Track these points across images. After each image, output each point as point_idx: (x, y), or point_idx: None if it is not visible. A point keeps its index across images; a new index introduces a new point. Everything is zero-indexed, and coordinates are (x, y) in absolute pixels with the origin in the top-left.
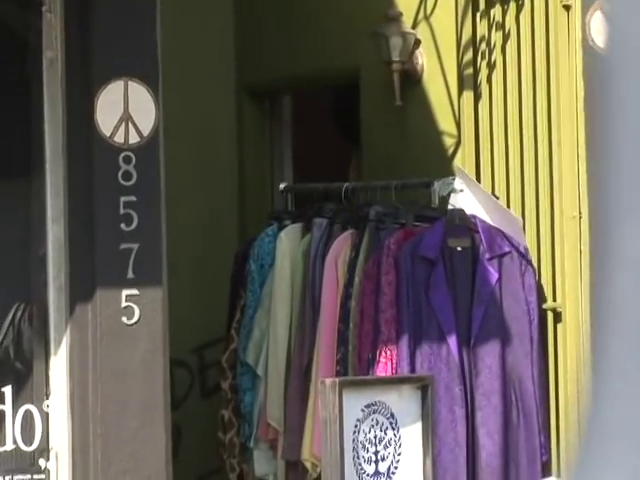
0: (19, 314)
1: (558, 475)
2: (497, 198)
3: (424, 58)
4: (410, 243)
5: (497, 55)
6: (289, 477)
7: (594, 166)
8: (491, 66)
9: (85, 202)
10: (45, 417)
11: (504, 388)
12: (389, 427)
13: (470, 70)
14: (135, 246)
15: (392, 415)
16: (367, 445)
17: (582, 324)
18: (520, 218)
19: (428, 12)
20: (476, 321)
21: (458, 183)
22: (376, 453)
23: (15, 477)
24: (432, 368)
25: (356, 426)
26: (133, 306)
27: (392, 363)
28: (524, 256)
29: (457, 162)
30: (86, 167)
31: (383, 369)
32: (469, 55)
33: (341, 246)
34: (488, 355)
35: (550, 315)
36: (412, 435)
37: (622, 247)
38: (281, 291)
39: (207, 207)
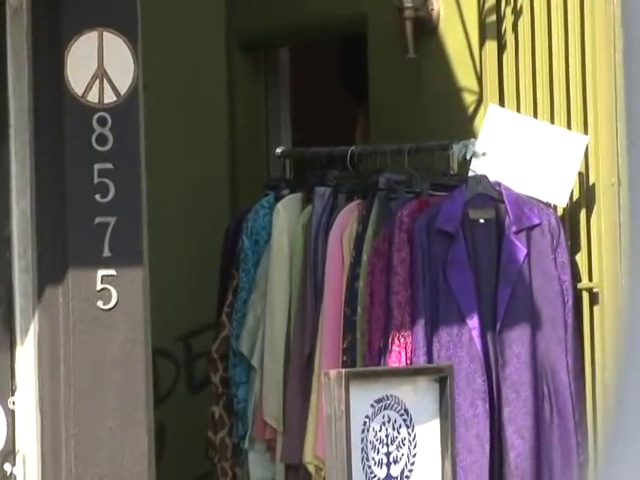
0: None
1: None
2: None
3: (440, 4)
4: (426, 215)
5: None
6: None
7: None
8: (517, 12)
9: (55, 171)
10: (10, 415)
11: (535, 380)
12: (402, 425)
13: (493, 17)
14: (112, 220)
15: (406, 411)
16: (378, 445)
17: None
18: (586, 138)
19: None
20: (502, 303)
21: (480, 145)
22: (388, 454)
23: None
24: (451, 357)
25: (365, 424)
26: (110, 289)
27: (406, 352)
28: (556, 229)
29: (479, 122)
30: (55, 131)
31: (396, 359)
32: (492, 0)
33: (347, 219)
34: (516, 342)
35: (586, 296)
36: (429, 434)
37: None
38: (279, 271)
39: (194, 175)
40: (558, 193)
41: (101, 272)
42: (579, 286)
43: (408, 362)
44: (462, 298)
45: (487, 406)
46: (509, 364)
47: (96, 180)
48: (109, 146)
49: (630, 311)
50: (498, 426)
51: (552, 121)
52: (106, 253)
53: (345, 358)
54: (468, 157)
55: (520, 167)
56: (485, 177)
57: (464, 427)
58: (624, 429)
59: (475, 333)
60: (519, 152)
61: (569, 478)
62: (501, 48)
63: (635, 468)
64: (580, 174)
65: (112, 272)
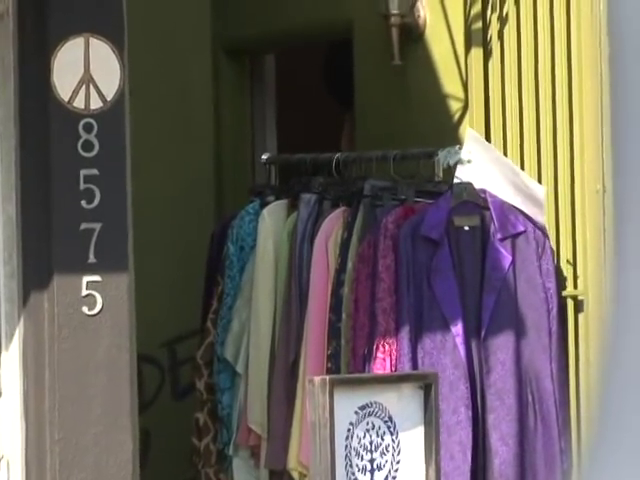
0: None
1: None
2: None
3: (426, 11)
4: (411, 222)
5: (509, 7)
6: None
7: (617, 135)
8: (502, 19)
9: (40, 177)
10: None
11: (519, 387)
12: (387, 431)
13: (479, 24)
14: (97, 226)
15: (390, 418)
16: (362, 452)
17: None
18: (543, 188)
19: None
20: (487, 310)
21: (465, 153)
22: (372, 461)
23: None
24: (435, 364)
25: (349, 430)
26: (95, 294)
27: (391, 359)
28: (541, 236)
29: (464, 128)
30: (41, 136)
31: (381, 366)
32: (477, 7)
33: (332, 226)
34: (501, 349)
35: (570, 303)
36: (413, 441)
37: None
38: (264, 277)
39: (179, 181)
40: (536, 212)
41: (86, 278)
42: (564, 293)
43: (392, 369)
44: (446, 305)
45: (470, 413)
46: (493, 371)
47: (82, 186)
48: (95, 152)
49: (614, 317)
50: (482, 433)
51: (537, 127)
52: (91, 259)
53: (329, 365)
54: (452, 164)
55: (500, 182)
56: (470, 184)
57: (447, 434)
58: (607, 436)
59: (459, 340)
60: (496, 174)
61: None
62: (487, 55)
63: (617, 475)
64: (565, 181)
65: (97, 278)
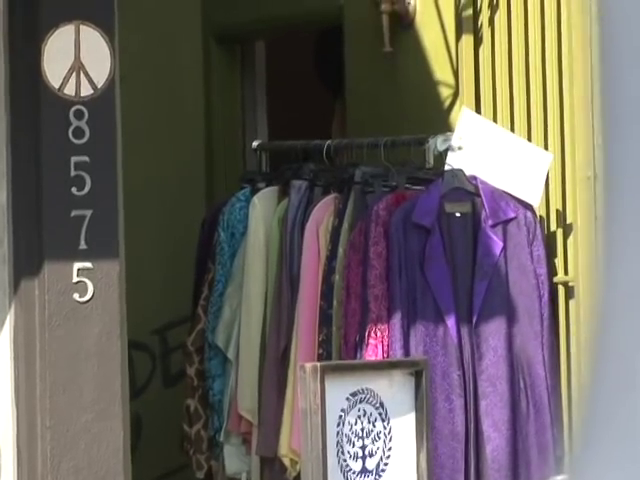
0: None
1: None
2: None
3: None
4: (402, 209)
5: None
6: (264, 475)
7: (606, 122)
8: (493, 6)
9: (31, 163)
10: None
11: (511, 373)
12: (378, 418)
13: (469, 11)
14: (88, 213)
15: (381, 404)
16: (353, 439)
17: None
18: (550, 155)
19: None
20: (478, 297)
21: (456, 139)
22: (363, 448)
23: None
24: (427, 351)
25: (340, 417)
26: (86, 281)
27: (383, 345)
28: (532, 223)
29: (455, 115)
30: (32, 123)
31: (373, 352)
32: None
33: (323, 212)
34: (493, 336)
35: (561, 290)
36: (404, 427)
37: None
38: (255, 264)
39: (170, 168)
40: (531, 193)
41: (77, 265)
42: (555, 280)
43: (385, 355)
44: (438, 292)
45: (462, 400)
46: (485, 357)
47: (72, 173)
48: (85, 139)
49: (604, 304)
50: (474, 419)
51: (528, 114)
52: (82, 246)
53: (321, 351)
54: (441, 149)
55: (493, 167)
56: (461, 171)
57: (439, 421)
58: (596, 422)
59: (451, 326)
60: (491, 154)
61: (546, 471)
62: (477, 42)
63: (607, 460)
64: (556, 167)
65: (88, 265)
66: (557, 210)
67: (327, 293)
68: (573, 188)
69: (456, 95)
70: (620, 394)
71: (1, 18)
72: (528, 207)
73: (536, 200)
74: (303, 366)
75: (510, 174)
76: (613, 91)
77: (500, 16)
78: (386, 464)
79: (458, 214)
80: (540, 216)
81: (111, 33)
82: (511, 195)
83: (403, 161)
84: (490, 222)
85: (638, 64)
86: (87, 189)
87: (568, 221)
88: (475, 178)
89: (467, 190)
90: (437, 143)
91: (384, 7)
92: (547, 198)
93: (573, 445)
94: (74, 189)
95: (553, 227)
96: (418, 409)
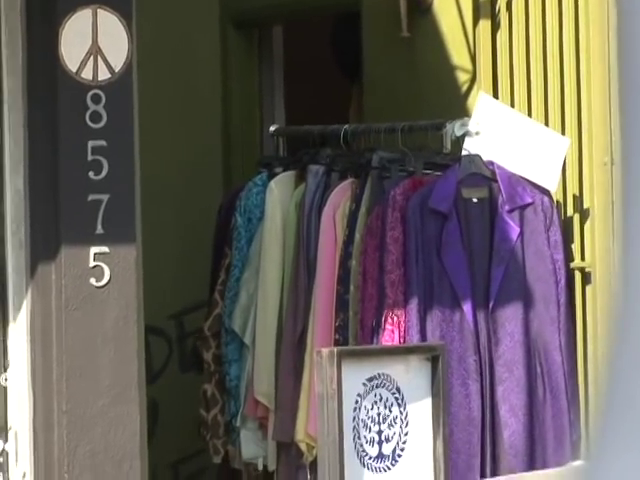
0: None
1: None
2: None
3: None
4: (419, 194)
5: None
6: (281, 460)
7: (624, 106)
8: None
9: (48, 148)
10: (3, 392)
11: (528, 358)
12: (394, 403)
13: None
14: (105, 197)
15: (398, 390)
16: (369, 424)
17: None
18: (567, 140)
19: None
20: (495, 282)
21: (473, 124)
22: (379, 433)
23: None
24: (444, 336)
25: (357, 402)
26: (103, 266)
27: (399, 331)
28: (549, 208)
29: (473, 100)
30: (49, 108)
31: (389, 337)
32: None
33: (340, 197)
34: (509, 321)
35: (578, 275)
36: (421, 412)
37: None
38: (271, 249)
39: (187, 153)
40: (548, 178)
41: (94, 249)
42: (571, 265)
43: (401, 341)
44: (455, 277)
45: (479, 386)
46: (502, 343)
47: (89, 157)
48: (103, 123)
49: (622, 291)
50: (491, 405)
51: (545, 99)
52: (99, 230)
53: (337, 336)
54: (458, 134)
55: (510, 152)
56: (478, 156)
57: (455, 406)
58: (615, 408)
59: (468, 312)
60: (508, 139)
61: (562, 456)
62: (495, 27)
63: (626, 446)
64: (573, 153)
65: (105, 249)
66: (574, 195)
67: (344, 278)
68: (590, 173)
69: (473, 80)
70: (638, 379)
71: (19, 2)
72: (545, 192)
73: (553, 185)
74: (320, 351)
75: (527, 159)
76: (631, 74)
77: (517, 1)
78: (402, 449)
79: (475, 199)
80: (557, 201)
81: (128, 17)
82: (528, 180)
83: (420, 146)
84: (507, 207)
85: None
86: (104, 173)
87: (585, 207)
88: (492, 163)
89: (484, 175)
90: (454, 128)
91: None
92: (564, 183)
93: (590, 430)
94: (91, 173)
95: (570, 213)
96: (435, 394)
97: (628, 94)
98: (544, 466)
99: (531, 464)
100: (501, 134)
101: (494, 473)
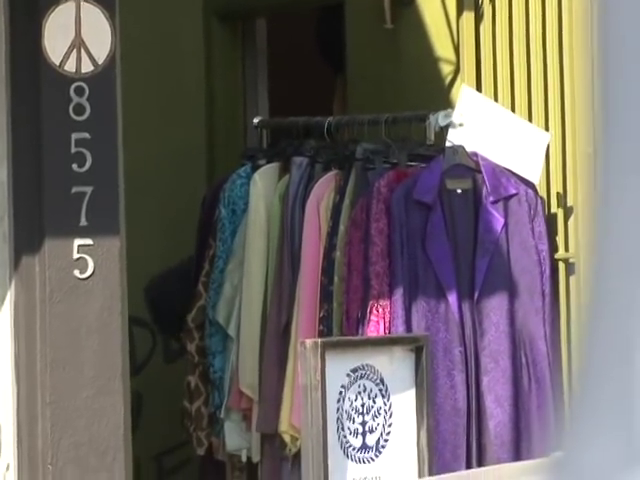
0: None
1: None
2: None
3: None
4: (403, 186)
5: None
6: (265, 451)
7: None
8: None
9: (32, 140)
10: None
11: (513, 349)
12: (378, 394)
13: None
14: (88, 190)
15: (382, 381)
16: (353, 415)
17: None
18: (548, 135)
19: None
20: (480, 273)
21: (457, 116)
22: (363, 424)
23: None
24: (430, 327)
25: (341, 393)
26: (87, 258)
27: (384, 322)
28: (533, 199)
29: (456, 91)
30: (33, 100)
31: (374, 329)
32: None
33: (324, 189)
34: (494, 312)
35: (562, 266)
36: (405, 403)
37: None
38: (255, 240)
39: (171, 145)
40: (530, 171)
41: (78, 241)
42: (555, 256)
43: (386, 332)
44: (440, 268)
45: (464, 376)
46: (487, 333)
47: (73, 150)
48: (86, 116)
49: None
50: (476, 395)
51: (529, 90)
52: (83, 222)
53: (322, 328)
54: (442, 124)
55: (493, 144)
56: (462, 147)
57: (441, 397)
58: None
59: (453, 303)
60: (491, 132)
61: (547, 446)
62: (478, 18)
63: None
64: (556, 144)
65: (89, 241)
66: (558, 186)
67: (328, 270)
68: (574, 164)
69: (457, 71)
70: (613, 366)
71: None
72: (529, 184)
73: (536, 178)
74: (304, 342)
75: (510, 152)
76: (613, 67)
77: None
78: (386, 440)
79: (459, 190)
80: (540, 193)
81: (112, 10)
82: (512, 172)
83: (404, 137)
84: (491, 198)
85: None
86: (88, 166)
87: (569, 198)
88: (476, 154)
89: (468, 166)
90: (438, 119)
91: None
92: (547, 174)
93: (565, 419)
94: (75, 166)
95: (554, 203)
96: (418, 385)
97: (609, 86)
98: (529, 456)
99: (517, 454)
100: (484, 127)
101: (480, 463)
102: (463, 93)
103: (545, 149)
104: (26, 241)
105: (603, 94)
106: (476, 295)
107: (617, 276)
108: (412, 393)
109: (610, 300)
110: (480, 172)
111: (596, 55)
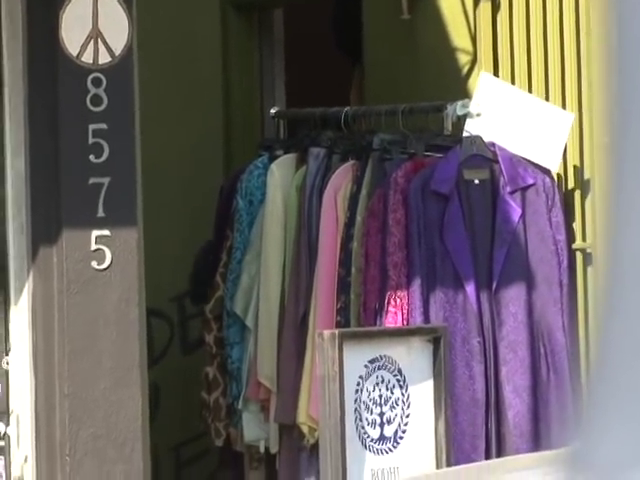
0: None
1: None
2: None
3: None
4: (420, 176)
5: None
6: (283, 442)
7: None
8: None
9: (49, 131)
10: (4, 376)
11: (531, 339)
12: (396, 385)
13: None
14: (106, 180)
15: (400, 371)
16: (371, 406)
17: None
18: (572, 115)
19: None
20: (497, 264)
21: (474, 106)
22: (381, 415)
23: None
24: (448, 318)
25: (358, 384)
26: (104, 249)
27: (402, 313)
28: (551, 189)
29: (473, 82)
30: (50, 91)
31: (392, 319)
32: None
33: (341, 179)
34: (512, 302)
35: (579, 256)
36: (422, 394)
37: None
38: (273, 231)
39: (188, 136)
40: (549, 158)
41: (95, 232)
42: (573, 246)
43: (404, 323)
44: (458, 259)
45: (482, 367)
46: (506, 324)
47: (90, 140)
48: (103, 106)
49: (613, 267)
50: (495, 386)
51: (546, 79)
52: (100, 213)
53: (339, 318)
54: (460, 114)
55: (512, 131)
56: (479, 137)
57: (459, 388)
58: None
59: (471, 293)
60: (511, 118)
61: (565, 437)
62: (495, 8)
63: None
64: (574, 133)
65: (106, 232)
66: (575, 176)
67: (345, 260)
68: (591, 154)
69: (474, 61)
70: (629, 359)
71: None
72: (547, 173)
73: (555, 165)
74: (321, 333)
75: (529, 138)
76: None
77: None
78: (404, 431)
79: (477, 181)
80: (558, 182)
81: (129, 0)
82: (529, 161)
83: (421, 128)
84: (509, 189)
85: None
86: (105, 157)
87: (586, 187)
88: (493, 144)
89: (485, 157)
90: (455, 109)
91: None
92: (565, 164)
93: (582, 411)
94: (92, 157)
95: (571, 193)
96: (436, 376)
97: (626, 74)
98: (549, 446)
99: (536, 444)
100: (503, 114)
101: (499, 454)
102: (481, 80)
103: (568, 130)
104: (44, 232)
105: (620, 83)
106: (494, 285)
107: (634, 268)
108: (430, 384)
109: (627, 292)
110: (497, 162)
111: (613, 44)
